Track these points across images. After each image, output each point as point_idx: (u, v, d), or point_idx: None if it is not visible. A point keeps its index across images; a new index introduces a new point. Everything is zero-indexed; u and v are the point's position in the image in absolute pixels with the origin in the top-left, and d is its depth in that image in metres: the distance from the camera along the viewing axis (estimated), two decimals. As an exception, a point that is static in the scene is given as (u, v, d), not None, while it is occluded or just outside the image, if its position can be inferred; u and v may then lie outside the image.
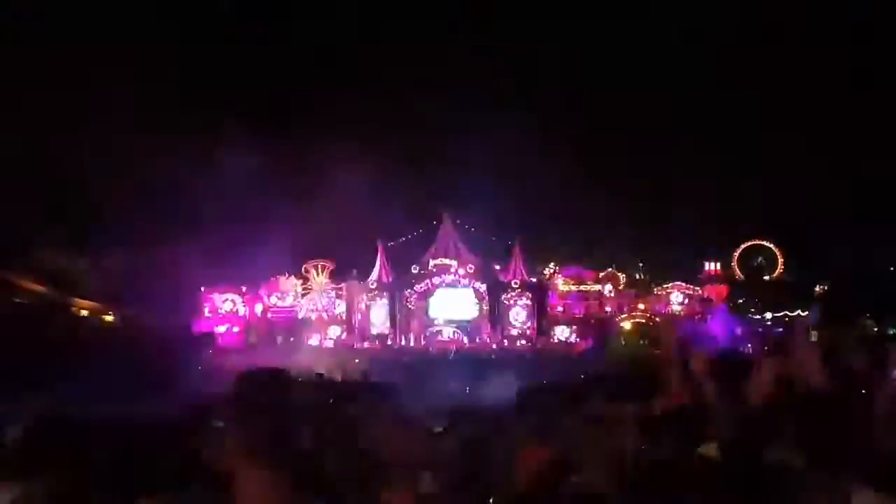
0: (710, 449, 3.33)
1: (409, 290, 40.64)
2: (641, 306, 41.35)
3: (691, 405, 3.56)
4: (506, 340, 39.64)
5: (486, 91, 40.42)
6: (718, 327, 39.91)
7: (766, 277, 43.56)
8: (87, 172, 31.67)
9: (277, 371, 2.52)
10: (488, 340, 39.45)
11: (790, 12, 42.19)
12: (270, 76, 41.78)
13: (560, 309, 41.21)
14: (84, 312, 33.84)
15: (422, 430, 2.34)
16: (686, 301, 41.84)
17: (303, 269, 41.98)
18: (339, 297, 41.79)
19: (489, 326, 40.00)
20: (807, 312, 38.91)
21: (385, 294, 40.92)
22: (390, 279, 41.21)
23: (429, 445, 2.35)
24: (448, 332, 39.58)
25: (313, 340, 40.18)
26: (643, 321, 40.60)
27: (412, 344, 39.29)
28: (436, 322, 40.16)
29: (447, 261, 41.13)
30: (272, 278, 41.59)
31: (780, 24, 42.02)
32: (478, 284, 40.79)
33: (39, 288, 31.28)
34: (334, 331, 41.18)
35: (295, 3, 43.49)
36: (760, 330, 38.47)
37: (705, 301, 41.54)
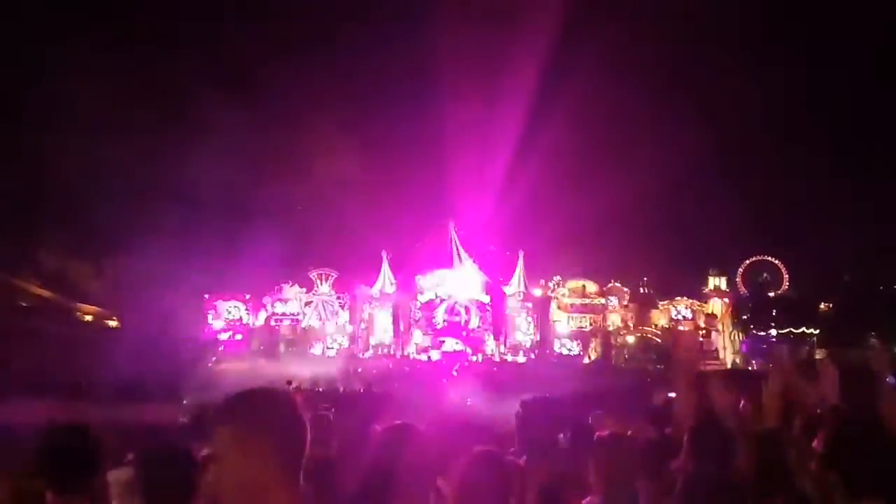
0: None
1: (412, 301, 40.60)
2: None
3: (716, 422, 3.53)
4: (509, 352, 39.52)
5: (492, 102, 40.56)
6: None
7: (771, 294, 43.34)
8: (93, 178, 31.85)
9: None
10: (491, 352, 39.33)
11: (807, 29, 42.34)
12: (278, 86, 42.00)
13: (563, 322, 41.17)
14: (88, 317, 33.93)
15: (431, 442, 2.34)
16: (691, 316, 41.74)
17: (309, 277, 42.03)
18: (342, 306, 41.78)
19: (492, 338, 39.90)
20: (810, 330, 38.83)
21: (389, 304, 40.90)
22: (394, 289, 41.20)
23: (438, 459, 2.35)
24: (451, 344, 39.47)
25: (316, 349, 40.15)
26: (648, 336, 40.49)
27: (415, 354, 39.19)
28: (439, 333, 40.05)
29: (451, 271, 41.11)
30: (276, 286, 41.64)
31: (788, 40, 42.13)
32: (481, 296, 40.74)
33: (44, 292, 31.39)
34: (337, 340, 41.14)
35: (304, 31, 44.01)
36: (765, 346, 38.28)
37: (710, 316, 41.41)
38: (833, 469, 2.18)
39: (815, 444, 2.35)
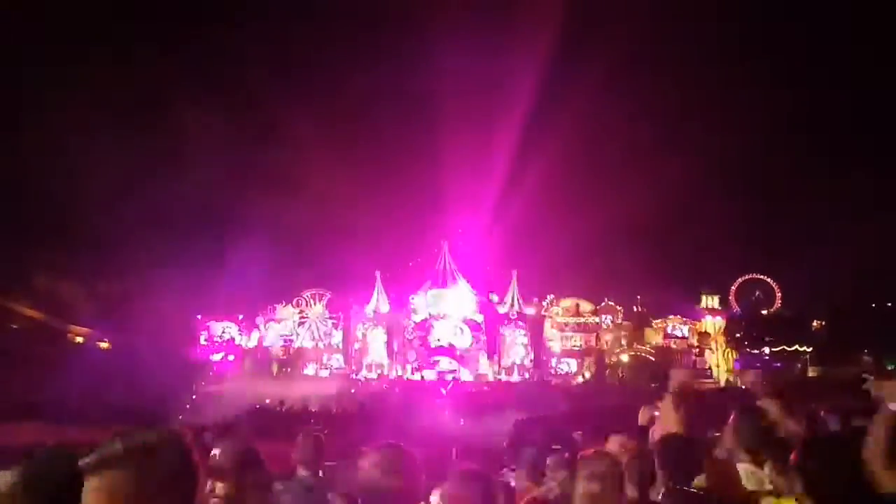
0: (702, 480, 3.36)
1: (406, 321, 40.48)
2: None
3: (683, 437, 3.59)
4: (502, 372, 39.39)
5: (486, 124, 40.89)
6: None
7: (764, 312, 43.42)
8: (86, 200, 31.85)
9: None
10: (484, 372, 39.18)
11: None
12: (273, 109, 42.27)
13: (557, 341, 41.12)
14: (80, 339, 33.71)
15: (421, 463, 2.37)
16: (684, 334, 41.77)
17: (301, 297, 41.87)
18: (336, 326, 41.63)
19: (486, 358, 39.76)
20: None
21: (383, 324, 40.76)
22: (388, 308, 41.07)
23: (427, 477, 2.38)
24: (445, 364, 39.31)
25: (309, 370, 39.91)
26: (642, 354, 40.46)
27: (409, 375, 38.99)
28: (433, 353, 39.88)
29: (445, 291, 41.05)
30: (269, 306, 41.48)
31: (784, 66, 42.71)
32: (475, 316, 40.67)
33: (36, 314, 31.21)
34: (331, 360, 40.93)
35: (300, 53, 44.51)
36: (758, 365, 38.29)
37: (703, 335, 41.45)
38: (800, 479, 2.29)
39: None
